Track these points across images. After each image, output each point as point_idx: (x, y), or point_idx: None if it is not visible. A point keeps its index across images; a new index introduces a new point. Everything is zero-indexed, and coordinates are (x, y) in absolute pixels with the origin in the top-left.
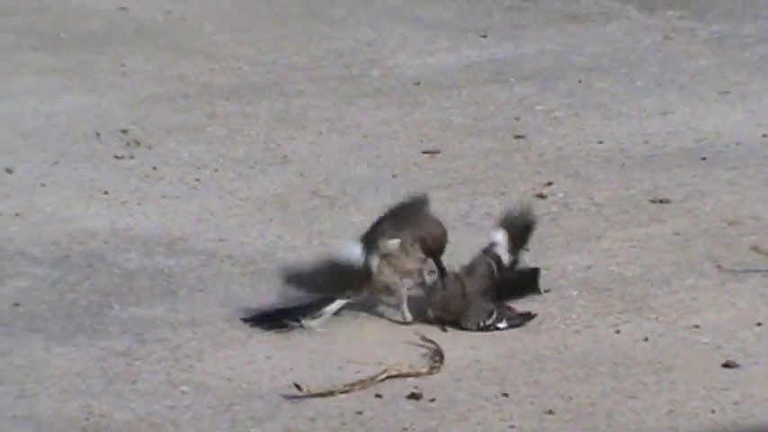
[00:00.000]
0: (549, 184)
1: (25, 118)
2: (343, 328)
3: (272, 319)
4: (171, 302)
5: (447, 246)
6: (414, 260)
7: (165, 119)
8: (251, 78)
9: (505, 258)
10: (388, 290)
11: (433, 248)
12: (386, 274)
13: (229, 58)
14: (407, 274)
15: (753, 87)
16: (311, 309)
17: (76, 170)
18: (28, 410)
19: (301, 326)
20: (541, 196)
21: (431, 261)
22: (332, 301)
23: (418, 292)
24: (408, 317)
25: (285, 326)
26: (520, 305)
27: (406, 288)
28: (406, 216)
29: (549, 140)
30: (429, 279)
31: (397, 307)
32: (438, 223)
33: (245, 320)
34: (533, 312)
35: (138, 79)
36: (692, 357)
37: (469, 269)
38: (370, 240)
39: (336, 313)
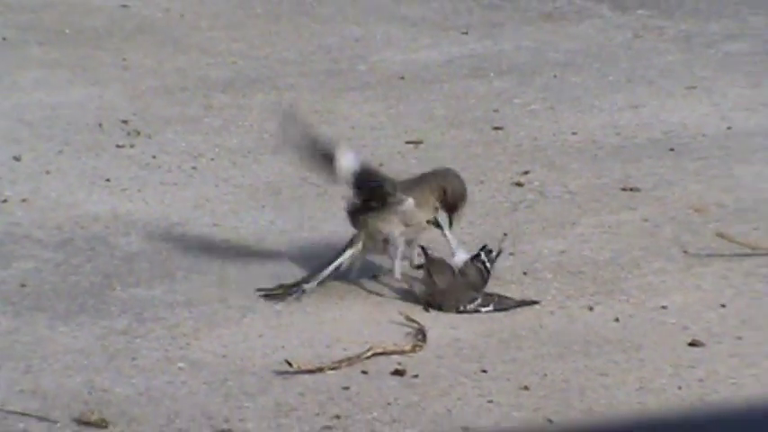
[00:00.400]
0: (526, 173)
1: (32, 109)
2: (332, 308)
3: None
4: (169, 284)
5: (464, 209)
6: (427, 211)
7: (164, 110)
8: (245, 72)
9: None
10: (386, 241)
11: (450, 201)
12: (389, 224)
13: (224, 53)
14: (415, 226)
15: (718, 83)
16: (311, 275)
17: (80, 158)
18: (33, 385)
19: (304, 291)
20: (519, 184)
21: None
22: (328, 263)
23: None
24: (399, 273)
25: (289, 295)
26: (518, 293)
27: (403, 243)
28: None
29: (526, 132)
30: (419, 259)
31: (389, 264)
32: (462, 181)
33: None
34: (536, 299)
35: (139, 73)
36: (660, 337)
37: (461, 271)
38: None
39: (333, 276)
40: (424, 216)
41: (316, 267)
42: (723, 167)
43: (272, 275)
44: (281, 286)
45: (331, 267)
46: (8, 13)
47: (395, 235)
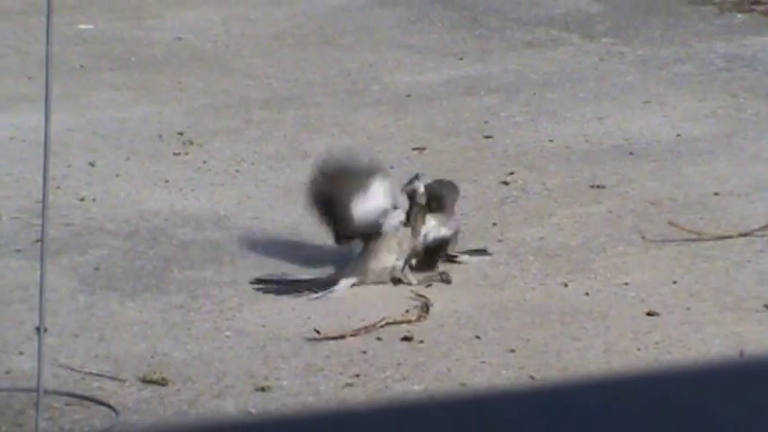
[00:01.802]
0: (511, 173)
1: (104, 123)
2: (352, 287)
3: (285, 287)
4: (217, 267)
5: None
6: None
7: (213, 124)
8: (279, 92)
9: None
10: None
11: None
12: (385, 256)
13: (262, 77)
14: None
15: (669, 98)
16: (318, 285)
17: (143, 164)
18: (106, 351)
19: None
20: (505, 183)
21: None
22: (335, 283)
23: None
24: (413, 279)
25: (295, 292)
26: (505, 272)
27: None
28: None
29: (511, 140)
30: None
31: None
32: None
33: (258, 283)
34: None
35: (192, 93)
36: (623, 308)
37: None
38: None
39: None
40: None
41: (324, 280)
42: (674, 168)
43: (304, 259)
44: (280, 281)
45: (337, 288)
46: (84, 45)
47: (395, 266)
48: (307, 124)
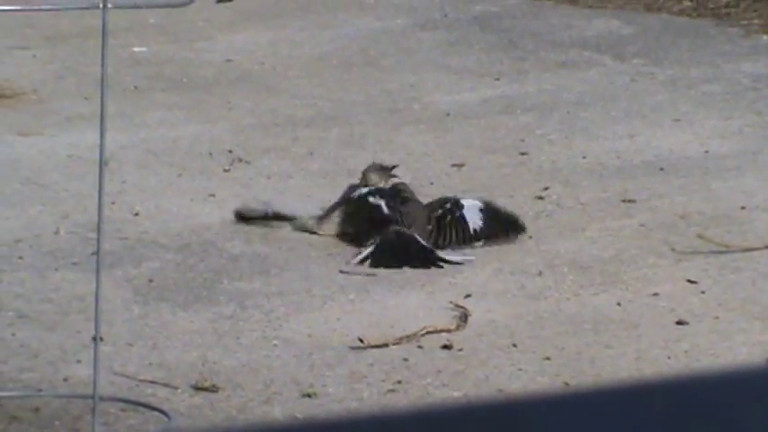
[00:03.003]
0: (546, 189)
1: (157, 142)
2: (394, 297)
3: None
4: (265, 278)
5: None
6: None
7: (260, 142)
8: (324, 111)
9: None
10: None
11: None
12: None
13: (308, 96)
14: None
15: (697, 116)
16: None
17: (194, 180)
18: (159, 359)
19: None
20: (540, 198)
21: None
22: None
23: None
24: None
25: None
26: (540, 284)
27: None
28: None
29: (546, 156)
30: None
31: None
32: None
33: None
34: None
35: (240, 113)
36: (653, 317)
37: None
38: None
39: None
40: None
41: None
42: (702, 183)
43: (346, 270)
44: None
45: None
46: (138, 66)
47: None
48: (350, 142)
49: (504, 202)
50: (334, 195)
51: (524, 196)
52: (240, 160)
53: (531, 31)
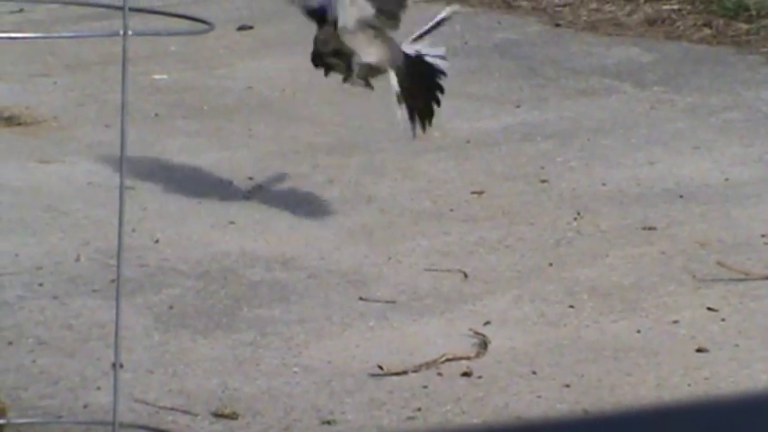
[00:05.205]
0: (569, 217)
1: (177, 169)
2: (413, 324)
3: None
4: (285, 305)
5: None
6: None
7: (281, 169)
8: (344, 139)
9: None
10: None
11: None
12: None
13: (328, 124)
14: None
15: (717, 144)
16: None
17: (215, 207)
18: (179, 386)
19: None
20: (560, 225)
21: None
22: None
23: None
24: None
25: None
26: (560, 311)
27: None
28: None
29: (566, 184)
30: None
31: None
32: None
33: None
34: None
35: (261, 140)
36: (673, 345)
37: None
38: None
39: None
40: None
41: None
42: (722, 210)
43: (365, 297)
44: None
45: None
46: (159, 94)
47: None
48: (370, 169)
49: (524, 230)
50: (354, 223)
51: (545, 223)
52: (260, 187)
53: (551, 58)
